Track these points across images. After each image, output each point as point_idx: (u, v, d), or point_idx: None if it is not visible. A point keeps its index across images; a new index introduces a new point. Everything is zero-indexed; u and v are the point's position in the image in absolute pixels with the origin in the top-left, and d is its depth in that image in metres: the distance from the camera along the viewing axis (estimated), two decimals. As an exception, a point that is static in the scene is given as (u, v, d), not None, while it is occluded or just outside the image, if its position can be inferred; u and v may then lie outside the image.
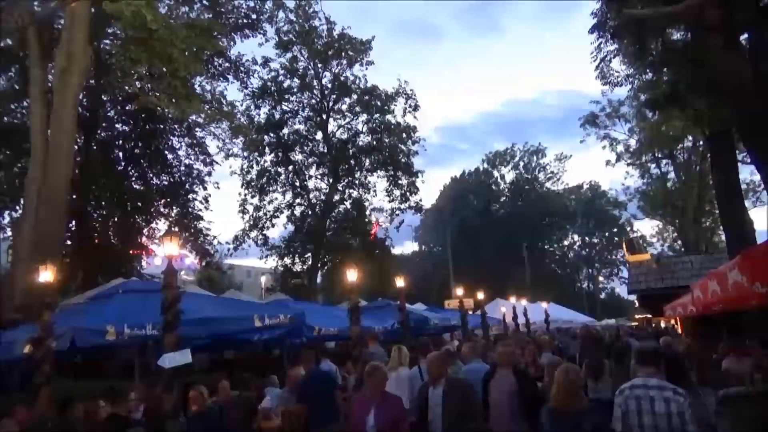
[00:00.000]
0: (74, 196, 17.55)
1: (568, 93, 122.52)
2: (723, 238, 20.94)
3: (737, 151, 15.48)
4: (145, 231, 22.72)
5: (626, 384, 3.98)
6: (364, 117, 29.72)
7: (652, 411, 3.65)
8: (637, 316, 38.01)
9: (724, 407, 7.50)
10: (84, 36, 13.36)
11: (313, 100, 29.58)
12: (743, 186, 23.91)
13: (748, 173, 26.92)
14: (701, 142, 26.41)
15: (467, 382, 5.45)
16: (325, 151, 29.58)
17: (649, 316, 25.83)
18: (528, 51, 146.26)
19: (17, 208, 18.43)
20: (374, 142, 29.47)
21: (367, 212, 29.96)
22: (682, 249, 36.27)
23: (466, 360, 7.32)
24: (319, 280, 31.22)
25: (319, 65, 28.76)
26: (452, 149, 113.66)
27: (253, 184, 28.43)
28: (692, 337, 14.39)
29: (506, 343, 6.40)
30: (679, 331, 17.81)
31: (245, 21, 23.07)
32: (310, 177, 29.96)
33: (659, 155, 34.64)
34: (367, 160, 29.70)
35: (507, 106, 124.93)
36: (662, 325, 25.48)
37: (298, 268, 29.20)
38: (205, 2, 19.68)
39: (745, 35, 9.17)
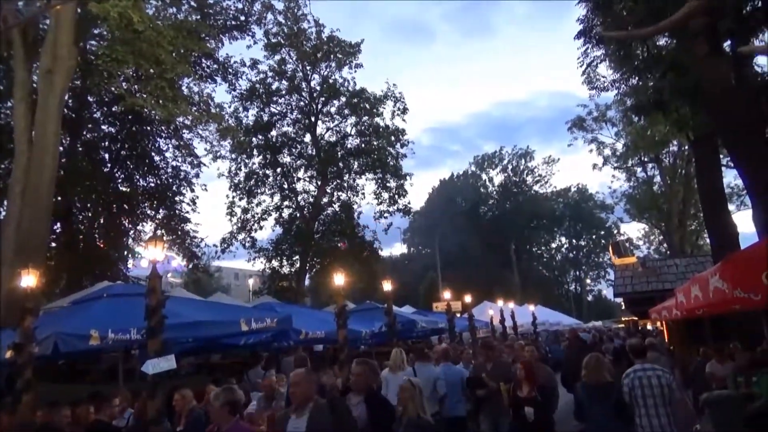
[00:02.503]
0: (59, 198, 17.37)
1: (559, 94, 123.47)
2: (708, 241, 21.16)
3: (721, 156, 15.69)
4: (131, 233, 22.54)
5: (630, 369, 5.56)
6: (352, 120, 29.71)
7: (650, 385, 5.26)
8: (623, 319, 38.31)
9: (707, 409, 7.61)
10: (69, 37, 13.23)
11: (302, 103, 29.52)
12: (728, 190, 24.23)
13: (732, 177, 27.23)
14: (686, 147, 26.70)
15: (346, 407, 4.46)
16: (314, 153, 29.52)
17: (635, 318, 26.06)
18: (520, 52, 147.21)
19: (0, 209, 18.22)
20: (363, 145, 29.45)
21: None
22: (668, 252, 36.65)
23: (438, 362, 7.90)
24: (307, 282, 31.11)
25: (308, 68, 28.72)
26: (443, 150, 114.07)
27: (241, 186, 28.30)
28: (678, 339, 14.55)
29: (361, 361, 5.33)
30: (665, 333, 17.97)
31: (233, 23, 22.98)
32: (299, 179, 29.88)
33: (645, 159, 34.99)
34: (356, 163, 29.66)
35: (498, 108, 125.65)
36: (648, 327, 25.71)
37: (286, 270, 29.09)
38: (192, 3, 19.58)
39: (729, 42, 9.30)
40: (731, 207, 24.98)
